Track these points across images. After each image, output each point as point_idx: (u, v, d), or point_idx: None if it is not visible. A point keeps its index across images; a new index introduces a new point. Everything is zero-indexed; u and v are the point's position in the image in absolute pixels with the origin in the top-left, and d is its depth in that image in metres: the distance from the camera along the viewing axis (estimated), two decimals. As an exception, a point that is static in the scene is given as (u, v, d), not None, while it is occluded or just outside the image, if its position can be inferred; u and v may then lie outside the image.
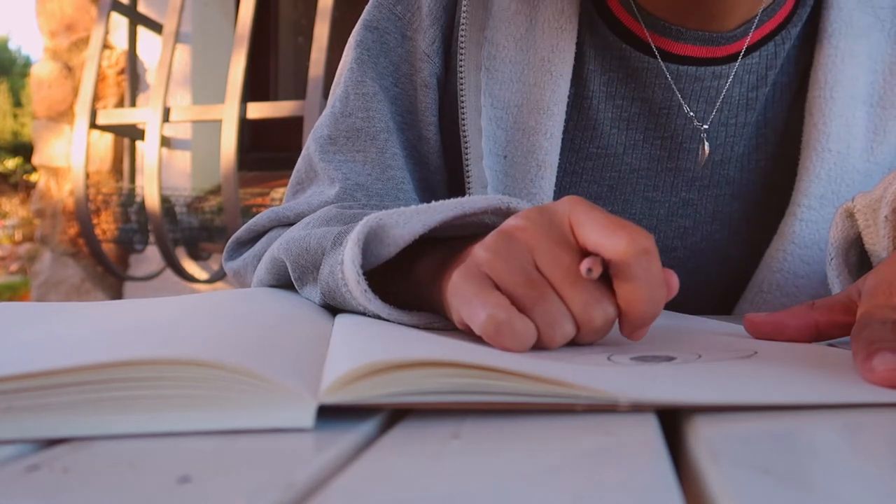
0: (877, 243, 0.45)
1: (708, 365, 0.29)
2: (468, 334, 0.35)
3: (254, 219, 0.59)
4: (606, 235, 0.32)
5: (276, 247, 0.49)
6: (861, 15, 0.59)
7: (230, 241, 0.61)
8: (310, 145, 0.62)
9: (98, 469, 0.18)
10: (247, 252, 0.59)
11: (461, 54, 0.59)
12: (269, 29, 2.92)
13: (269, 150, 2.77)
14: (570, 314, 0.33)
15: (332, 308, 0.44)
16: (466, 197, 0.40)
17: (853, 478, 0.17)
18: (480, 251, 0.34)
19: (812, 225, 0.59)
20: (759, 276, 0.61)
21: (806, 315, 0.37)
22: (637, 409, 0.23)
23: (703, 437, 0.20)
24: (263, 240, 0.58)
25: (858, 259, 0.49)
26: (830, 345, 0.37)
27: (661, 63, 0.59)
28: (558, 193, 0.61)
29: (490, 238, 0.35)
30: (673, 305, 0.59)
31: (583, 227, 0.33)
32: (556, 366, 0.28)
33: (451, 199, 0.40)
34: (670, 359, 0.30)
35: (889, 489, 0.16)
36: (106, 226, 2.46)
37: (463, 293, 0.34)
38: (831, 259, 0.48)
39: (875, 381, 0.26)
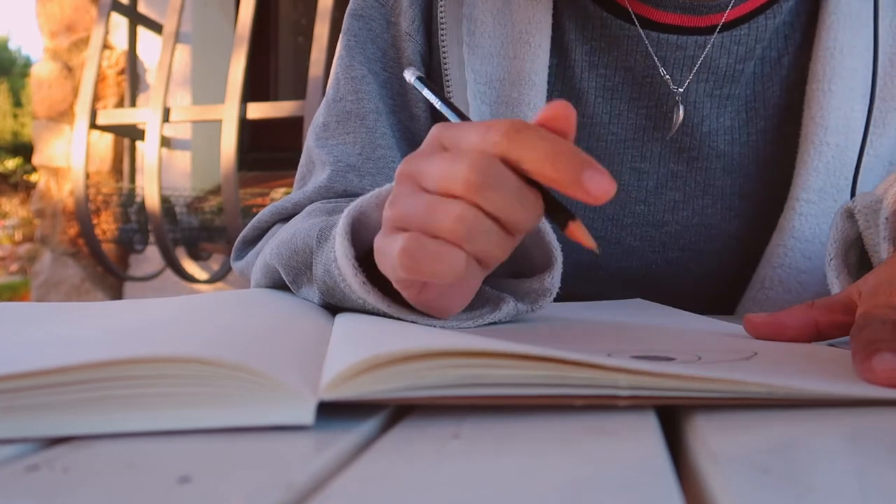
0: (877, 244, 0.45)
1: (707, 367, 0.29)
2: (408, 294, 0.37)
3: (257, 216, 0.60)
4: (479, 139, 0.32)
5: (268, 252, 0.49)
6: (860, 6, 0.59)
7: (237, 240, 0.62)
8: (308, 137, 0.63)
9: (98, 469, 0.18)
10: (251, 251, 0.60)
11: (442, 30, 0.60)
12: (269, 29, 2.92)
13: (269, 150, 2.77)
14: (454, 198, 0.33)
15: (332, 307, 0.44)
16: None
17: (853, 478, 0.17)
18: (384, 211, 0.36)
19: (812, 219, 0.59)
20: (761, 273, 0.61)
21: (806, 314, 0.37)
22: (637, 404, 0.23)
23: (703, 437, 0.20)
24: (265, 237, 0.59)
25: (858, 259, 0.49)
26: (830, 345, 0.37)
27: (641, 30, 0.59)
28: None
29: (389, 196, 0.36)
30: (671, 289, 0.59)
31: (454, 138, 0.34)
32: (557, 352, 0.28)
33: None
34: (669, 360, 0.30)
35: (889, 490, 0.16)
36: (106, 226, 2.46)
37: (382, 252, 0.35)
38: (830, 259, 0.48)
39: (875, 381, 0.26)
